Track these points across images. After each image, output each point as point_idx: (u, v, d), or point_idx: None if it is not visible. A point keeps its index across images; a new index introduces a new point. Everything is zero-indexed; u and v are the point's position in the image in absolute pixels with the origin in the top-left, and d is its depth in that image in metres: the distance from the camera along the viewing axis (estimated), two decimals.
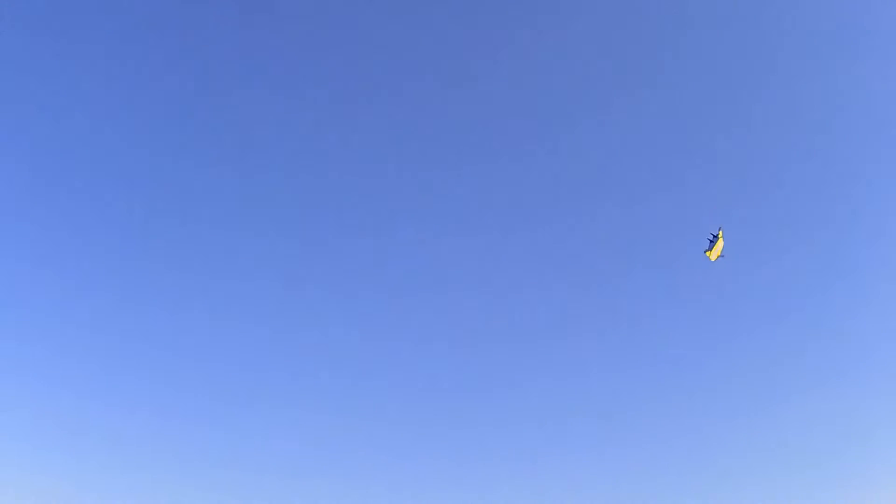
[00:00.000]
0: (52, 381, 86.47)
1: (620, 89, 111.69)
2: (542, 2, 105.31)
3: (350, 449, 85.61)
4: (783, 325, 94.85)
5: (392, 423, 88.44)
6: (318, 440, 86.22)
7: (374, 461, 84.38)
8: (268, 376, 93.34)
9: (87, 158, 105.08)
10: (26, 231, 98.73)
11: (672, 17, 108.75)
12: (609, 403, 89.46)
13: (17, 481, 74.32)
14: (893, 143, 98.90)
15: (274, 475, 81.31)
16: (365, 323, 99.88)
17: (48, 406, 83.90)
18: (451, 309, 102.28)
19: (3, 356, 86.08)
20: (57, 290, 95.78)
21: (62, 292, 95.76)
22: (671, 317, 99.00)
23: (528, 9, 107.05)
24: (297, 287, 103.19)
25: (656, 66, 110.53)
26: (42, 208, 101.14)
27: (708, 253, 51.70)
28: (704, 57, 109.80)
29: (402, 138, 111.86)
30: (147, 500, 76.29)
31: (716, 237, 50.83)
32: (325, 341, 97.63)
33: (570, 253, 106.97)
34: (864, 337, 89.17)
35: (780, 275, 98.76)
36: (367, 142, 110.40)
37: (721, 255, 52.25)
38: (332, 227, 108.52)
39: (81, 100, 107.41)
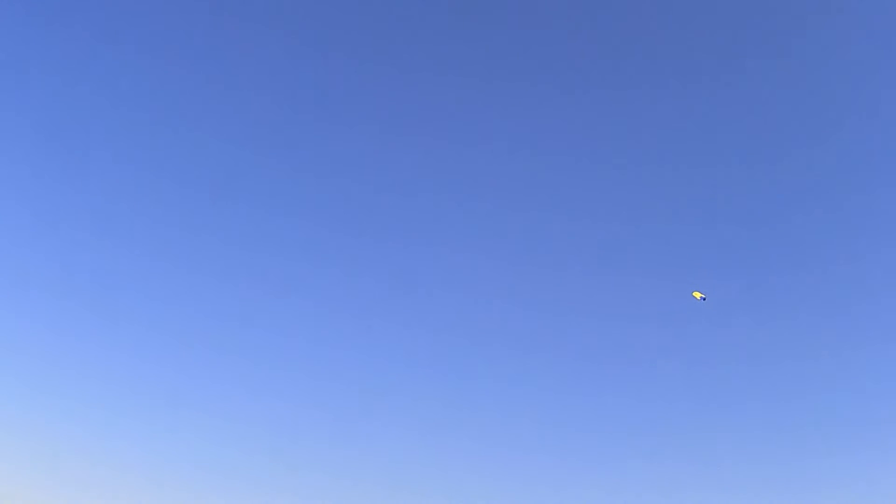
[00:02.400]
0: (54, 379, 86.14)
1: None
2: None
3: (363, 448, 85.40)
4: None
5: (398, 423, 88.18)
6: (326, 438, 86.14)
7: (378, 460, 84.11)
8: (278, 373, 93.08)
9: (87, 157, 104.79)
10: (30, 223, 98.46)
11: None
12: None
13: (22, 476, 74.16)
14: None
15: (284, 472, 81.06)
16: (376, 317, 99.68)
17: (54, 401, 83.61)
18: (461, 307, 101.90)
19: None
20: (63, 290, 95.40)
21: (68, 293, 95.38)
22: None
23: None
24: (305, 285, 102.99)
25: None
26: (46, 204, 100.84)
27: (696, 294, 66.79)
28: None
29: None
30: (149, 499, 76.17)
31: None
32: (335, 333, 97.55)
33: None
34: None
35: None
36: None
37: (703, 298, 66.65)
38: (344, 227, 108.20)
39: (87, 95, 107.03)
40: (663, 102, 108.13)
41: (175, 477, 77.27)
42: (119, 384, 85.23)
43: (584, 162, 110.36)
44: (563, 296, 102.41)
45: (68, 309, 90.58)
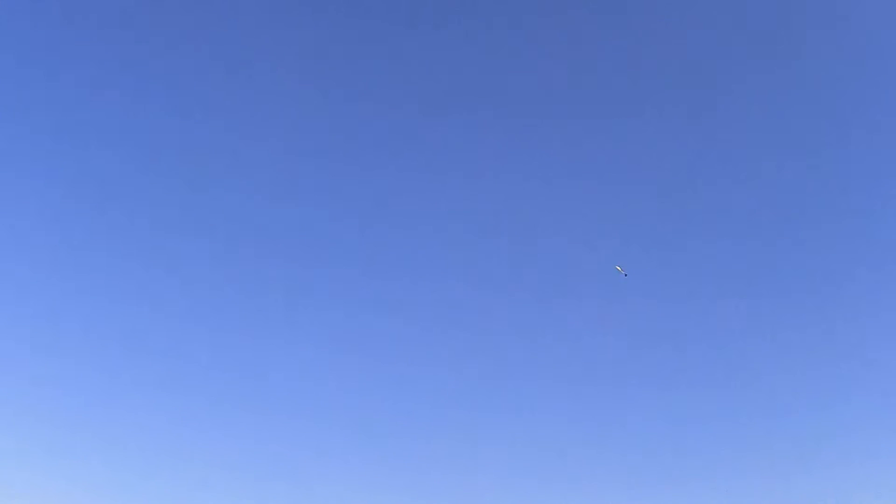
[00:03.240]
0: (50, 383, 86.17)
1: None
2: None
3: (351, 451, 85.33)
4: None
5: (393, 429, 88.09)
6: (317, 443, 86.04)
7: (374, 463, 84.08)
8: (267, 378, 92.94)
9: (85, 161, 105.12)
10: (26, 231, 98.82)
11: None
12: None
13: (14, 484, 74.16)
14: None
15: (272, 478, 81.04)
16: (367, 324, 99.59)
17: (46, 408, 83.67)
18: (456, 303, 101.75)
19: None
20: (53, 292, 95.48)
21: (57, 294, 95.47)
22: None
23: None
24: (299, 289, 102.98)
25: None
26: (41, 209, 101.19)
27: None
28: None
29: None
30: (144, 501, 76.12)
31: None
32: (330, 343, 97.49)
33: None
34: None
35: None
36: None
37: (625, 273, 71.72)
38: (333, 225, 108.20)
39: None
40: (658, 114, 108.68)
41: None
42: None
43: (581, 179, 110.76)
44: (565, 317, 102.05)
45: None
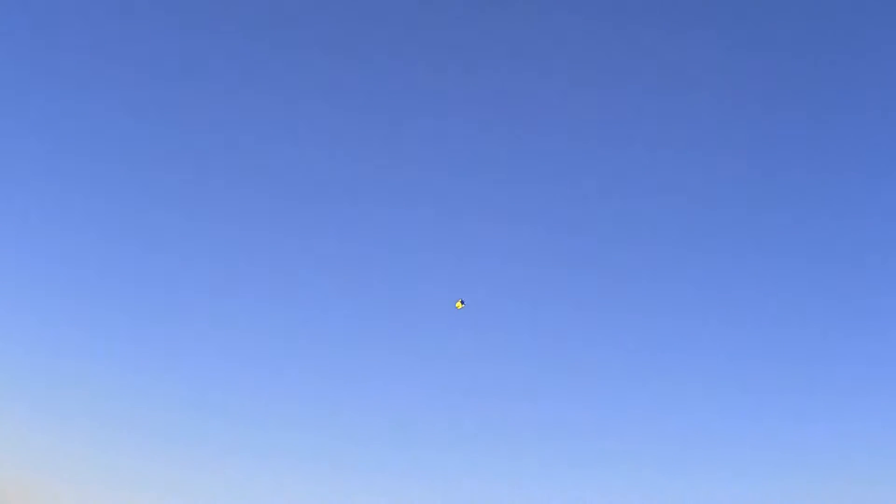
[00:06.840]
0: (45, 380, 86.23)
1: None
2: None
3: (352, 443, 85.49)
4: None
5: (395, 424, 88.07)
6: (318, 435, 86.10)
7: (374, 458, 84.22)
8: (268, 371, 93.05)
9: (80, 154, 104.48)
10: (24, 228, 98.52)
11: None
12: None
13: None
14: None
15: (275, 470, 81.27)
16: (368, 316, 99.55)
17: (43, 399, 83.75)
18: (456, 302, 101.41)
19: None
20: (50, 288, 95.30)
21: (55, 290, 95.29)
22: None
23: None
24: (297, 281, 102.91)
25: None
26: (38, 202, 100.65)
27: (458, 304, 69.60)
28: None
29: None
30: (144, 495, 76.34)
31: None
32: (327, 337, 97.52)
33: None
34: None
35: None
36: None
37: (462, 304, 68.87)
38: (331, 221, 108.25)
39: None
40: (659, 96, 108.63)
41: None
42: None
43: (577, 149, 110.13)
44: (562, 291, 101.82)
45: None
